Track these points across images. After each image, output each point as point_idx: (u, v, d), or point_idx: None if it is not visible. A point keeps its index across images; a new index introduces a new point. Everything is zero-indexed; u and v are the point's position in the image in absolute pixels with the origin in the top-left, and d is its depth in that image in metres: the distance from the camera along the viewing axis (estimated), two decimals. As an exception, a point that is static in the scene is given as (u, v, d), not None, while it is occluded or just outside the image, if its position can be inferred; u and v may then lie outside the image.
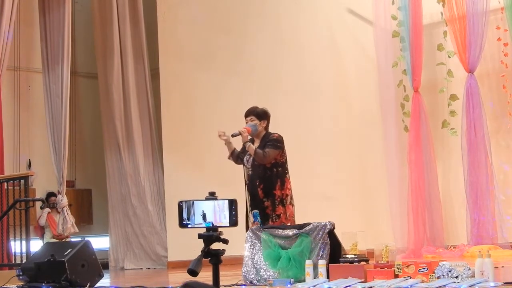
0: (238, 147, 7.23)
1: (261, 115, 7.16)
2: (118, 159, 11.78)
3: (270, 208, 6.97)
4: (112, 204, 11.88)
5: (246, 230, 6.94)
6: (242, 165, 7.24)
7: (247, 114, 7.19)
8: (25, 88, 12.13)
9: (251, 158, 7.06)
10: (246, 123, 7.16)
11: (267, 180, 7.00)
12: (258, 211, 6.99)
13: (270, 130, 7.24)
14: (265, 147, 7.01)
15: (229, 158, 7.28)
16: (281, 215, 6.96)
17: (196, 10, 11.78)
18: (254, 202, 7.03)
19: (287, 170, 7.11)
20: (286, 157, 7.12)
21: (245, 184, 7.19)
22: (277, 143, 7.03)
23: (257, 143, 7.12)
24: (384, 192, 10.82)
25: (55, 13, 10.77)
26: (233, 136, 7.09)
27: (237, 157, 7.21)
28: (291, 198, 7.08)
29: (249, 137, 7.11)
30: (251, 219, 7.08)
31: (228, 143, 7.17)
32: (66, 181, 10.97)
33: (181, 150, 11.54)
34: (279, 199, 6.98)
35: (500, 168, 10.40)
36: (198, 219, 4.12)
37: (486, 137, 10.10)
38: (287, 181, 7.07)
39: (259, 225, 6.88)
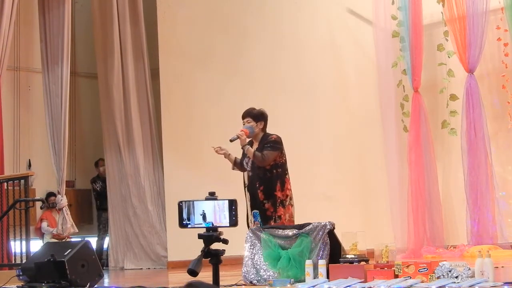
0: (236, 153, 7.22)
1: (257, 116, 7.14)
2: (118, 159, 11.77)
3: (271, 209, 6.96)
4: (112, 204, 11.87)
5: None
6: None
7: (244, 116, 7.17)
8: (25, 88, 12.12)
9: (250, 160, 7.06)
10: (244, 124, 7.14)
11: (267, 181, 6.99)
12: (258, 211, 6.99)
13: (270, 130, 7.23)
14: (264, 149, 6.99)
15: (233, 169, 7.27)
16: (282, 216, 6.96)
17: (196, 10, 11.77)
18: (254, 203, 7.02)
19: (287, 171, 7.11)
20: (285, 157, 7.11)
21: (244, 186, 7.18)
22: (276, 144, 7.02)
23: (255, 145, 7.11)
24: (384, 192, 10.82)
25: (55, 13, 10.76)
26: (231, 140, 7.06)
27: (240, 165, 7.21)
28: (291, 199, 7.08)
29: (247, 140, 7.10)
30: (251, 219, 7.07)
31: (227, 155, 7.16)
32: (66, 181, 10.95)
33: (181, 150, 11.54)
34: (279, 200, 6.98)
35: (500, 168, 10.40)
36: (198, 219, 4.12)
37: (486, 137, 10.10)
38: (287, 181, 7.07)
39: (259, 225, 6.88)
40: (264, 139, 7.09)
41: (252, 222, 7.02)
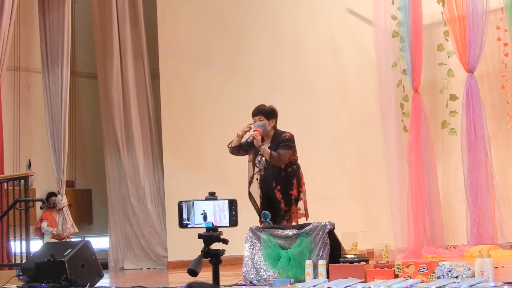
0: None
1: (269, 113, 7.04)
2: (118, 159, 11.78)
3: (285, 208, 6.94)
4: (112, 204, 11.89)
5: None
6: (242, 161, 7.19)
7: (255, 113, 7.04)
8: (25, 88, 12.13)
9: (263, 158, 6.97)
10: (254, 122, 7.03)
11: (283, 180, 6.95)
12: (268, 212, 6.95)
13: (273, 128, 7.19)
14: (278, 148, 6.93)
15: (229, 146, 7.13)
16: (293, 214, 6.96)
17: (196, 10, 11.78)
18: (269, 202, 6.99)
19: (299, 166, 7.07)
20: (297, 153, 7.07)
21: (249, 181, 7.11)
22: (290, 142, 6.96)
23: (267, 143, 7.01)
24: (384, 192, 10.82)
25: (55, 13, 10.76)
26: (248, 143, 7.05)
27: (239, 148, 7.13)
28: (304, 193, 7.06)
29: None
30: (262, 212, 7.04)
31: (241, 136, 7.07)
32: (66, 181, 10.96)
33: (181, 150, 11.54)
34: (294, 198, 6.96)
35: (500, 168, 10.39)
36: (198, 219, 4.11)
37: (486, 137, 10.10)
38: (302, 177, 7.05)
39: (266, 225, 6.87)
40: (277, 137, 7.00)
41: (261, 222, 7.00)
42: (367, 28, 11.38)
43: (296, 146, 7.11)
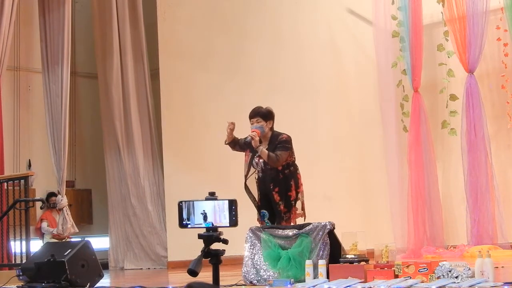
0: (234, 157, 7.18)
1: (266, 115, 7.04)
2: (118, 159, 11.78)
3: (285, 210, 6.95)
4: (112, 204, 11.89)
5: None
6: (242, 161, 7.20)
7: (252, 116, 7.04)
8: (25, 88, 12.13)
9: (261, 160, 6.99)
10: (252, 124, 7.05)
11: (281, 182, 6.95)
12: (266, 211, 6.97)
13: (272, 129, 7.19)
14: (276, 149, 6.94)
15: (227, 144, 7.16)
16: (292, 215, 6.97)
17: (196, 10, 11.78)
18: (268, 203, 7.00)
19: (297, 167, 7.08)
20: (294, 155, 7.08)
21: (245, 178, 7.12)
22: (287, 144, 6.97)
23: (264, 145, 7.01)
24: (384, 192, 10.82)
25: (55, 13, 10.76)
26: (245, 143, 7.06)
27: (234, 144, 7.12)
28: (302, 193, 7.07)
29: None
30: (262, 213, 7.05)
31: (230, 133, 7.09)
32: (66, 181, 10.96)
33: (181, 150, 11.54)
34: (292, 199, 6.97)
35: (500, 168, 10.40)
36: (198, 219, 4.11)
37: (486, 137, 10.10)
38: (299, 177, 7.07)
39: (264, 225, 6.87)
40: (275, 139, 7.01)
41: (260, 221, 7.02)
42: (367, 28, 11.39)
43: (296, 147, 7.11)
